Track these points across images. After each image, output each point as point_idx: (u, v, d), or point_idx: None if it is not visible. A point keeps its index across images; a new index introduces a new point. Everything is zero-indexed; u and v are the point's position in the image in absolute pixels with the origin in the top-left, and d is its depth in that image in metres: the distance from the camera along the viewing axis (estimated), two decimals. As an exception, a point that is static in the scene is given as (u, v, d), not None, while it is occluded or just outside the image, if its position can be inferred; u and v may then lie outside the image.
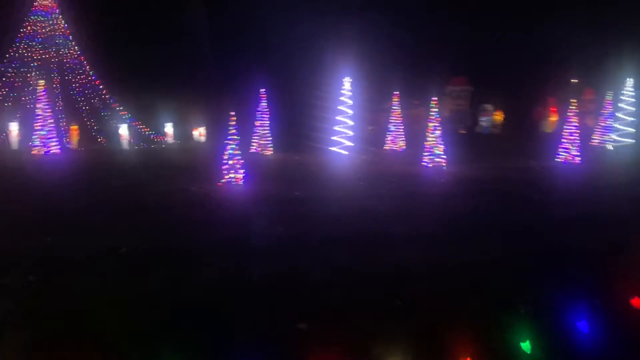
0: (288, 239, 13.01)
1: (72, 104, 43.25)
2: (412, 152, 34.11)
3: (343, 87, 36.37)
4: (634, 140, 41.48)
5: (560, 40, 54.32)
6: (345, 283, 9.68)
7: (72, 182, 23.05)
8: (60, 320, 7.84)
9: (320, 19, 44.78)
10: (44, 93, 34.55)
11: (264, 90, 36.54)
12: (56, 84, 43.12)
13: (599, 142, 42.90)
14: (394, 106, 41.15)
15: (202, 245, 12.35)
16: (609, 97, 42.86)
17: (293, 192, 20.37)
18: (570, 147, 32.15)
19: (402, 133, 40.55)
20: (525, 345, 6.26)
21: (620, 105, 42.50)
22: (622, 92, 42.53)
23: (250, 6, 45.32)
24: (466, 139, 50.24)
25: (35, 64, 42.79)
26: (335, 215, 15.90)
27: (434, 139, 29.54)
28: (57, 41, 43.94)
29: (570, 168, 30.27)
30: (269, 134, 36.72)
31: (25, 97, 40.92)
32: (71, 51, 44.45)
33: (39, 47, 43.27)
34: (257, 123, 36.65)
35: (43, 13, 43.40)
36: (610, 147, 41.63)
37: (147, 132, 44.43)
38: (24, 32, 43.12)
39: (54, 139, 34.62)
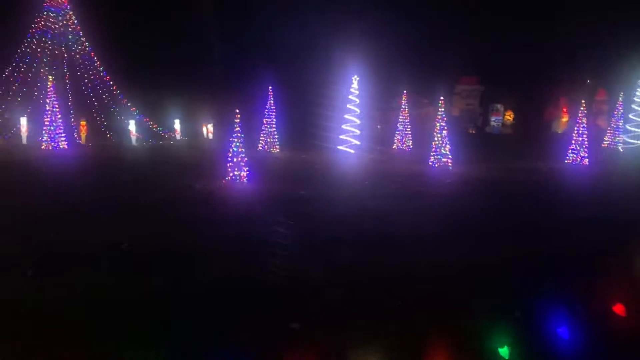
0: (289, 238, 13.00)
1: (82, 100, 43.60)
2: (420, 151, 33.99)
3: (351, 86, 36.32)
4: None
5: (572, 40, 53.83)
6: (346, 282, 9.66)
7: (77, 177, 23.22)
8: (59, 314, 7.90)
9: (329, 17, 44.71)
10: (52, 89, 34.83)
11: (271, 88, 36.58)
12: (66, 80, 43.51)
13: (609, 144, 42.52)
14: (402, 105, 41.07)
15: (203, 243, 12.37)
16: (620, 98, 42.44)
17: (297, 191, 20.34)
18: (579, 149, 31.90)
19: (410, 132, 40.48)
20: (504, 351, 6.22)
21: (632, 106, 42.07)
22: (635, 93, 42.11)
23: (259, 4, 45.44)
24: (475, 139, 49.94)
25: (46, 60, 43.16)
26: (338, 215, 15.86)
27: (440, 138, 29.41)
28: (67, 37, 44.27)
29: (578, 170, 30.00)
30: (276, 132, 36.78)
31: (35, 93, 41.33)
32: (81, 47, 44.78)
33: (49, 43, 43.64)
34: (265, 121, 36.73)
35: (54, 9, 43.75)
36: (620, 148, 41.23)
37: (155, 129, 44.70)
38: (35, 27, 43.52)
39: (62, 134, 34.90)
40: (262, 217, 15.51)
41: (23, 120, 38.03)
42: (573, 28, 52.20)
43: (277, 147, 36.71)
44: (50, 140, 34.22)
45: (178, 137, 46.00)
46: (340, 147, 35.74)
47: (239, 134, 21.91)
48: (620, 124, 42.37)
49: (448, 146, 29.28)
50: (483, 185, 23.18)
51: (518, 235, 13.69)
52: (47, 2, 43.39)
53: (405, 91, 41.37)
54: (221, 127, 42.17)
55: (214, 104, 47.08)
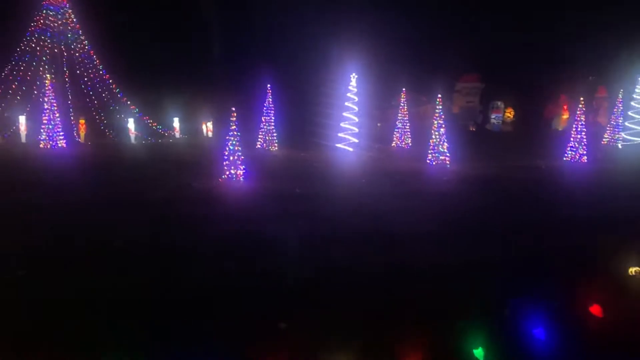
0: (276, 237, 12.98)
1: (81, 98, 43.65)
2: (419, 149, 33.96)
3: (350, 84, 36.28)
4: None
5: (573, 38, 53.68)
6: (338, 281, 9.67)
7: (72, 176, 23.24)
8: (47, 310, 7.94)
9: (328, 15, 44.66)
10: (50, 87, 34.88)
11: (269, 86, 36.56)
12: (66, 78, 43.56)
13: (609, 141, 42.43)
14: (401, 103, 41.03)
15: (196, 241, 12.39)
16: (620, 95, 42.35)
17: (293, 189, 20.34)
18: (578, 146, 31.82)
19: (409, 130, 40.44)
20: (479, 352, 6.20)
21: (631, 103, 41.97)
22: (635, 90, 42.01)
23: (258, 2, 45.40)
24: (474, 136, 49.83)
25: (46, 58, 43.20)
26: (332, 213, 15.85)
27: (438, 136, 29.38)
28: (67, 35, 44.29)
29: (576, 167, 29.93)
30: (275, 131, 36.78)
31: (35, 91, 41.37)
32: (81, 45, 44.80)
33: (49, 42, 43.65)
34: (263, 119, 36.72)
35: (53, 7, 43.75)
36: (620, 145, 41.15)
37: (155, 127, 44.74)
38: (34, 26, 43.54)
39: (61, 133, 34.95)
40: (252, 215, 15.52)
41: (22, 119, 38.09)
42: (573, 24, 52.09)
43: (276, 145, 36.71)
44: (49, 138, 34.28)
45: (177, 135, 46.03)
46: (338, 145, 35.72)
47: (235, 132, 21.91)
48: (620, 121, 42.27)
49: (446, 144, 29.24)
50: (479, 183, 23.14)
51: (510, 233, 13.67)
52: (46, 1, 43.41)
53: (404, 89, 41.29)
54: (220, 125, 42.17)
55: (213, 102, 47.09)
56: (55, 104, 34.77)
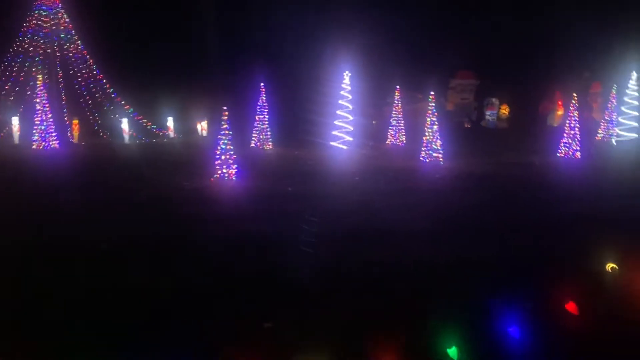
0: (272, 236, 12.99)
1: (75, 99, 43.46)
2: (413, 146, 33.96)
3: (343, 82, 36.25)
4: (637, 135, 40.96)
5: (568, 34, 53.67)
6: (327, 280, 9.68)
7: (63, 177, 23.09)
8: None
9: (321, 13, 44.58)
10: (43, 87, 34.75)
11: (263, 84, 36.48)
12: (59, 79, 43.39)
13: (603, 137, 42.49)
14: (395, 100, 41.01)
15: (186, 241, 12.39)
16: (614, 90, 42.40)
17: (286, 188, 20.35)
18: (571, 142, 31.86)
19: (403, 128, 40.42)
20: (452, 352, 6.20)
21: (624, 99, 42.02)
22: (628, 85, 42.06)
23: (252, 1, 45.28)
24: (468, 133, 49.86)
25: (38, 59, 43.01)
26: (325, 212, 15.81)
27: (431, 133, 29.39)
28: (60, 36, 44.12)
29: (569, 163, 29.98)
30: (269, 129, 36.71)
31: (28, 92, 41.17)
32: (74, 46, 44.62)
33: (42, 42, 43.46)
34: (257, 118, 36.65)
35: (46, 8, 43.55)
36: (614, 141, 41.21)
37: (149, 126, 44.62)
38: (27, 26, 43.34)
39: (54, 134, 34.81)
40: (240, 215, 15.51)
41: (15, 120, 37.89)
42: (568, 20, 52.05)
43: (270, 143, 36.65)
44: (42, 139, 34.14)
45: (171, 134, 45.91)
46: (333, 143, 35.69)
47: (226, 132, 21.88)
48: (614, 116, 42.33)
49: (439, 141, 29.24)
50: (472, 180, 23.16)
51: (498, 231, 13.71)
52: (39, 1, 43.18)
53: (398, 86, 41.25)
54: (215, 125, 42.06)
55: (208, 101, 46.95)
56: (47, 105, 34.60)
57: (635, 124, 41.18)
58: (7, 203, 16.77)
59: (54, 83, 42.32)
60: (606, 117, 43.10)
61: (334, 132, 36.09)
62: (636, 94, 41.48)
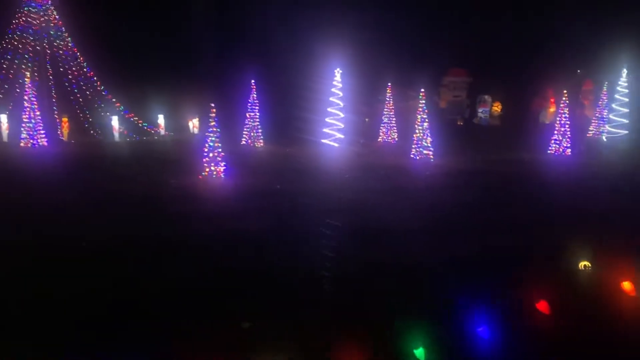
0: (258, 233, 12.90)
1: (65, 96, 43.11)
2: (405, 144, 33.91)
3: (334, 79, 36.12)
4: (627, 132, 41.10)
5: (560, 31, 53.76)
6: (311, 278, 9.62)
7: (50, 175, 22.89)
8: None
9: (313, 10, 44.43)
10: (30, 85, 34.43)
11: (254, 82, 36.32)
12: (49, 76, 43.03)
13: (594, 134, 42.62)
14: (387, 98, 40.94)
15: (171, 239, 12.29)
16: (605, 88, 42.53)
17: (274, 185, 20.26)
18: (562, 139, 31.91)
19: (395, 125, 40.37)
20: (419, 352, 6.14)
21: (615, 96, 42.16)
22: (619, 82, 42.21)
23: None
24: (461, 130, 49.95)
25: (28, 56, 42.63)
26: (314, 209, 15.75)
27: (422, 131, 29.33)
28: (49, 33, 43.74)
29: (559, 160, 30.01)
30: (260, 126, 36.57)
31: (18, 90, 40.80)
32: (64, 43, 44.26)
33: (31, 39, 43.08)
34: (248, 115, 36.49)
35: (35, 4, 43.16)
36: (604, 138, 41.35)
37: (140, 124, 44.34)
38: (16, 23, 42.95)
39: (42, 131, 34.50)
40: (226, 212, 15.41)
41: (3, 118, 37.55)
42: (560, 18, 52.14)
43: (261, 141, 36.51)
44: (30, 137, 33.85)
45: (162, 132, 45.66)
46: (324, 141, 35.59)
47: (215, 129, 21.75)
48: (605, 113, 42.47)
49: (429, 139, 29.19)
50: (461, 178, 23.12)
51: (479, 229, 13.68)
52: (28, -2, 42.79)
53: (389, 84, 41.19)
54: (206, 122, 41.86)
55: (199, 99, 46.73)
56: (35, 102, 34.28)
57: (626, 121, 41.33)
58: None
59: (44, 80, 41.97)
60: (597, 114, 43.22)
61: (325, 130, 36.00)
62: (627, 91, 41.61)
